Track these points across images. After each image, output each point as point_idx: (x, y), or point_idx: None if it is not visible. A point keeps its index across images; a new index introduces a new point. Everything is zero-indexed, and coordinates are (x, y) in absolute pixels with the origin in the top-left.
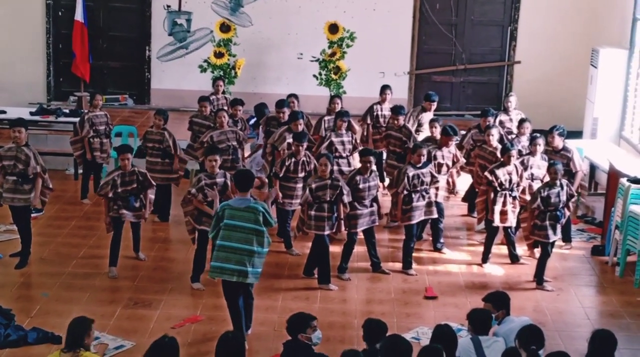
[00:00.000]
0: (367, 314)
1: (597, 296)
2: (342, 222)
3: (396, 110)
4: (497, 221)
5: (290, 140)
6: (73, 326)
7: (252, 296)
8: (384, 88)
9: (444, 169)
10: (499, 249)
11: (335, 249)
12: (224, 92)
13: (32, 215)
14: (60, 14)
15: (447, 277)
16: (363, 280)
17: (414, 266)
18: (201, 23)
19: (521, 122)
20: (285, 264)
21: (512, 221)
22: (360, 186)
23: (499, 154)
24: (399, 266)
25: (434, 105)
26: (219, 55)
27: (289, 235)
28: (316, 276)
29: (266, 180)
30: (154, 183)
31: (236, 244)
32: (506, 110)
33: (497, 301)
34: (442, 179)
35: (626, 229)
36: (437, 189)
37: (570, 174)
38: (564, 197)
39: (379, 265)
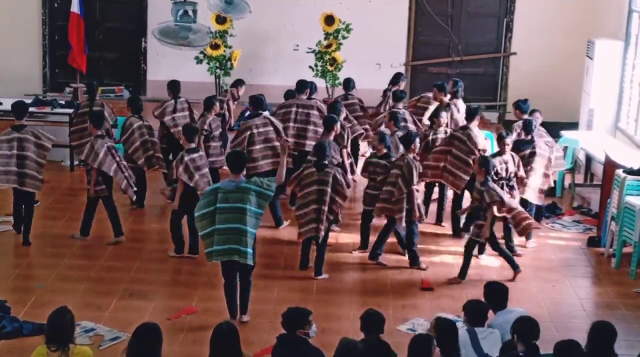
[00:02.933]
0: (363, 305)
1: (593, 287)
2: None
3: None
4: (495, 211)
5: None
6: (56, 320)
7: (249, 278)
8: (399, 76)
9: None
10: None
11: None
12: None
13: None
14: (56, 5)
15: (442, 268)
16: (359, 271)
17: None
18: (199, 16)
19: (531, 112)
20: (280, 255)
21: None
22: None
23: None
24: (394, 257)
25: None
26: (215, 46)
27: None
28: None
29: None
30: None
31: (232, 225)
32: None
33: (494, 297)
34: None
35: (622, 220)
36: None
37: None
38: (512, 168)
39: (378, 255)
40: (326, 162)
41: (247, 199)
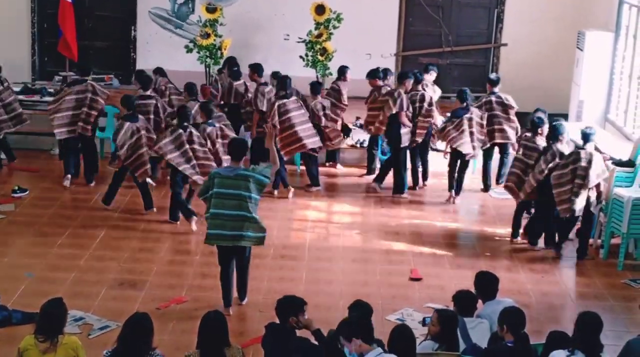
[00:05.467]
0: (352, 296)
1: (581, 278)
2: None
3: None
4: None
5: None
6: (50, 310)
7: (247, 263)
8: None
9: None
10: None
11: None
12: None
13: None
14: None
15: (432, 258)
16: (348, 262)
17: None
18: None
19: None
20: (270, 245)
21: None
22: None
23: None
24: (385, 248)
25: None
26: (205, 35)
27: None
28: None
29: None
30: None
31: (229, 211)
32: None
33: (485, 287)
34: None
35: (610, 211)
36: None
37: None
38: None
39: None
40: (186, 123)
41: (246, 186)
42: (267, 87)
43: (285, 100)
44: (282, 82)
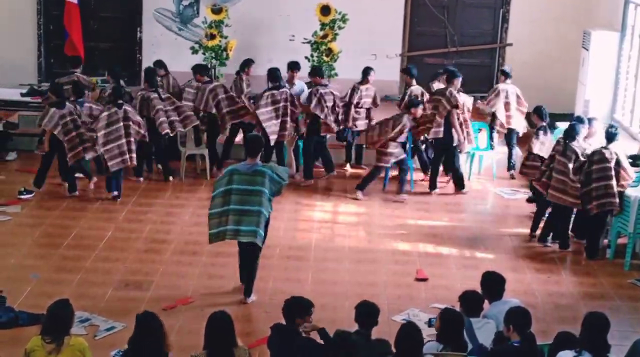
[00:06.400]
0: (358, 296)
1: (588, 278)
2: None
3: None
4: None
5: None
6: (56, 312)
7: (256, 259)
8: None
9: None
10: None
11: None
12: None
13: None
14: None
15: (437, 258)
16: (354, 262)
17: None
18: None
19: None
20: (276, 246)
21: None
22: None
23: None
24: (390, 249)
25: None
26: (210, 36)
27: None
28: None
29: None
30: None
31: (245, 206)
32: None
33: (491, 287)
34: None
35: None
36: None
37: None
38: None
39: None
40: (120, 101)
41: (261, 181)
42: (210, 86)
43: (274, 91)
44: (271, 74)
